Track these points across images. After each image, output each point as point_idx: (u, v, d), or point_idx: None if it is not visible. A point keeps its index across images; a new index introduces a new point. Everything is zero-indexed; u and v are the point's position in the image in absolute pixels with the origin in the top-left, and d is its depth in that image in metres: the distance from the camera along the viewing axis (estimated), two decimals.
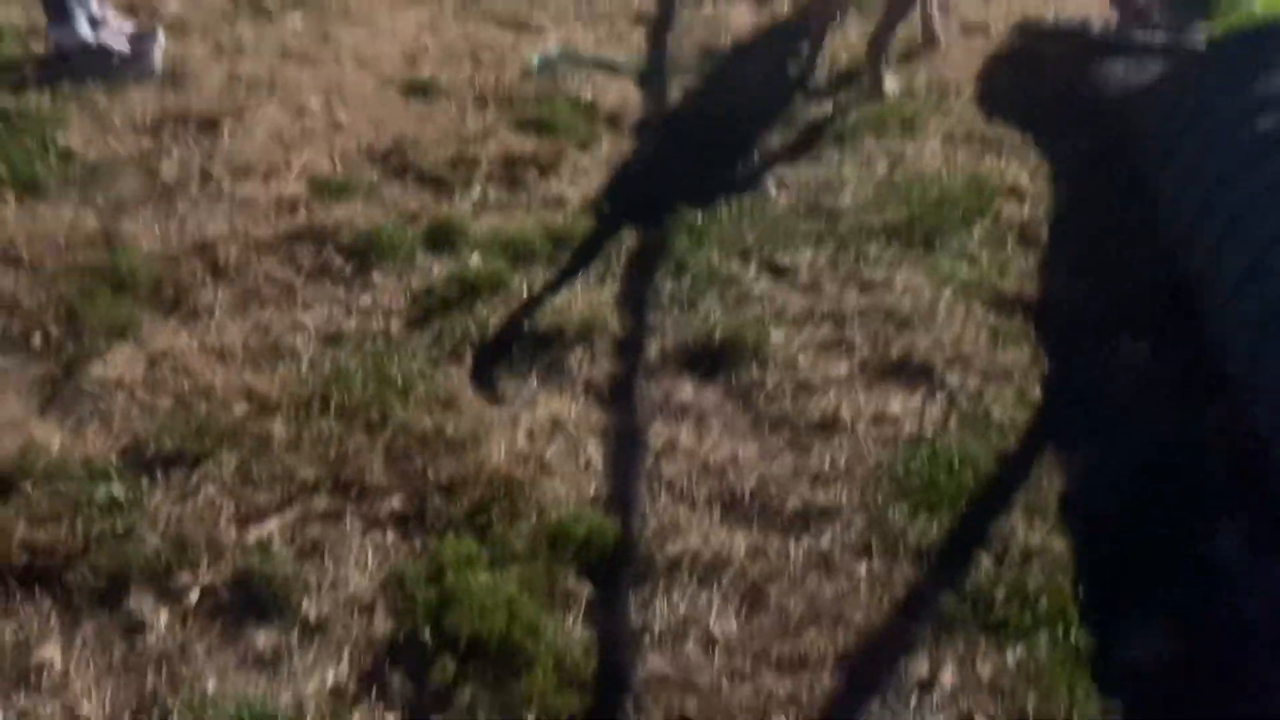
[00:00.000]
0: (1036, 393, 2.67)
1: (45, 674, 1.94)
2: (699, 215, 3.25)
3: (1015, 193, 3.42)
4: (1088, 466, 2.46)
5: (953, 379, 2.70)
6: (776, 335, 2.79)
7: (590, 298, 2.91)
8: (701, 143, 3.61)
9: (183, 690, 1.92)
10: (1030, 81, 4.06)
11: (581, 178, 3.44)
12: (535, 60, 4.07)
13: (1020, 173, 3.52)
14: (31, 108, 3.53)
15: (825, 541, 2.27)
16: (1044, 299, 2.98)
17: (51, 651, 1.97)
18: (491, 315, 2.83)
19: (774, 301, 2.92)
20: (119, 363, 2.59)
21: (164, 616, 2.04)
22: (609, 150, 3.57)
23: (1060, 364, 2.77)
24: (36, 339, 2.66)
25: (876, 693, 1.98)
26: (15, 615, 2.03)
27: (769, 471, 2.42)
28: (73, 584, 2.08)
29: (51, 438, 2.39)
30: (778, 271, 3.04)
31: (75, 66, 3.74)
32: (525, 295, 2.90)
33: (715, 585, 2.16)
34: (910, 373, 2.71)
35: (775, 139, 3.65)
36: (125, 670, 1.96)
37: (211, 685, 1.93)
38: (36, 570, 2.11)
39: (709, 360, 2.72)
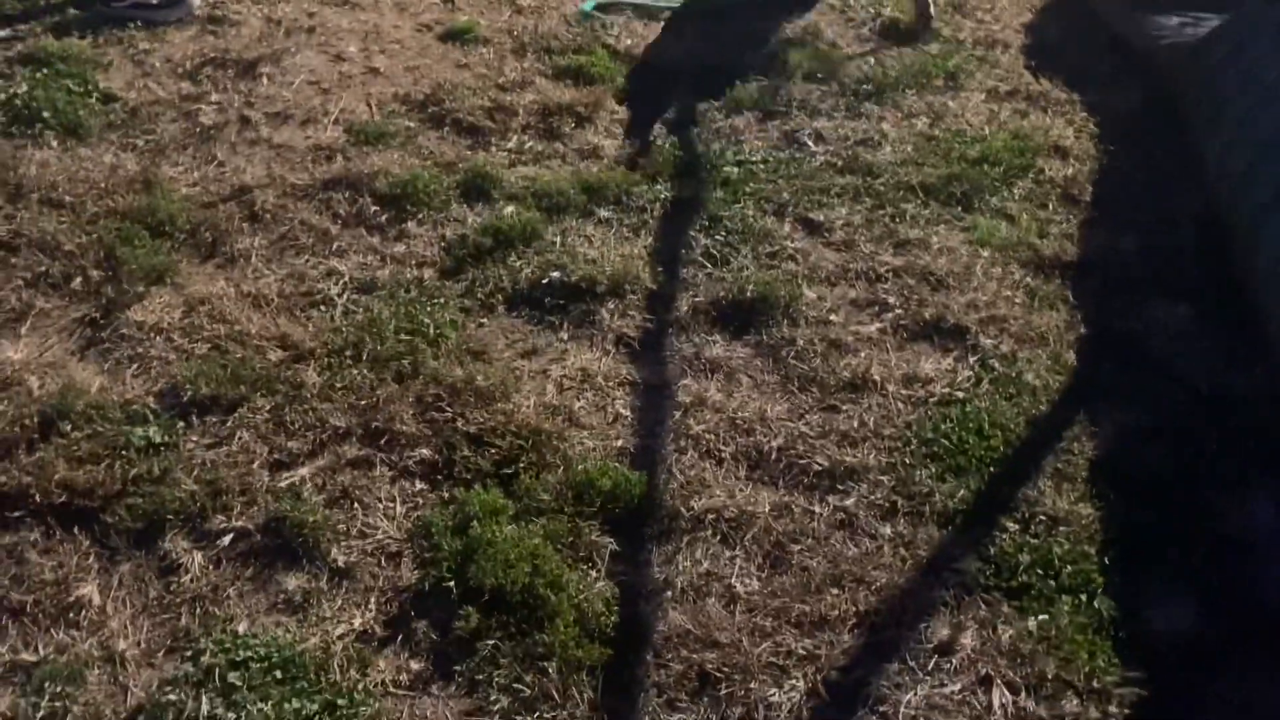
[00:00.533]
0: (1072, 356, 2.64)
1: (83, 611, 2.00)
2: (734, 169, 3.22)
3: (1059, 151, 3.36)
4: (1121, 432, 2.43)
5: (986, 341, 2.67)
6: (809, 293, 2.77)
7: (623, 250, 2.90)
8: (739, 94, 3.56)
9: (215, 630, 1.97)
10: (1080, 36, 3.96)
11: (617, 128, 3.41)
12: (587, 6, 4.02)
13: (1065, 130, 3.45)
14: (74, 51, 3.55)
15: (850, 502, 2.27)
16: (1084, 260, 2.94)
17: (90, 589, 2.03)
18: (524, 266, 2.83)
19: (807, 258, 2.90)
20: (157, 307, 2.63)
21: (198, 558, 2.09)
22: (646, 100, 3.53)
23: (1098, 327, 2.73)
24: (77, 281, 2.70)
25: (896, 654, 1.99)
26: (55, 553, 2.09)
27: (796, 430, 2.42)
28: (110, 524, 2.14)
29: (91, 379, 2.43)
30: (812, 227, 3.02)
31: (117, 10, 3.75)
32: (558, 246, 2.90)
33: (739, 542, 2.17)
34: (943, 334, 2.69)
35: (815, 91, 3.59)
36: (160, 609, 2.01)
37: (243, 626, 1.98)
38: (75, 509, 2.16)
39: (740, 316, 2.71)
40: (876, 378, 2.55)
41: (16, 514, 2.14)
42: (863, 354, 2.61)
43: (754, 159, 3.28)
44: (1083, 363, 2.63)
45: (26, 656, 1.92)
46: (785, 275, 2.83)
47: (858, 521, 2.23)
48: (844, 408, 2.48)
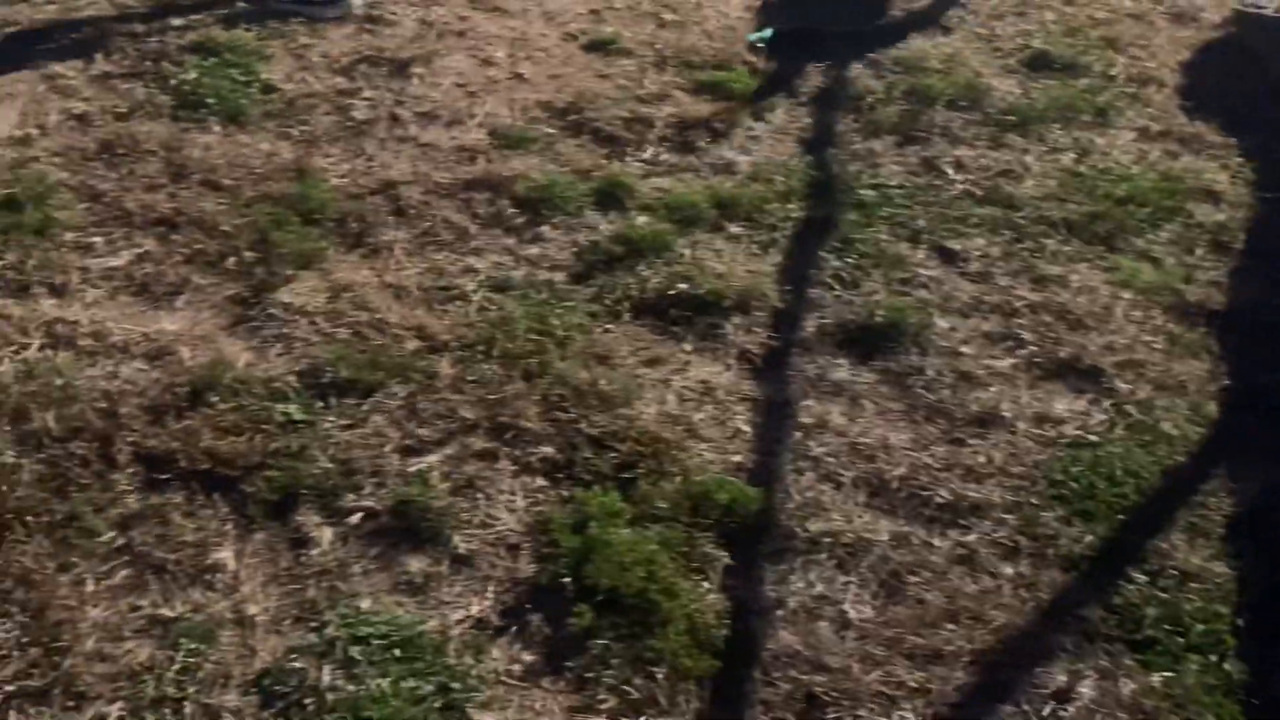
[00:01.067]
0: (1213, 408, 2.55)
1: (219, 574, 2.09)
2: (869, 192, 3.20)
3: (1210, 196, 3.24)
4: (1262, 490, 2.34)
5: (1123, 385, 2.59)
6: (941, 322, 2.74)
7: (752, 267, 2.91)
8: (879, 117, 3.54)
9: (340, 604, 2.04)
10: (1241, 76, 3.82)
11: (753, 145, 3.43)
12: (766, 34, 4.00)
13: (1219, 174, 3.33)
14: (240, 42, 3.73)
15: (972, 538, 2.23)
16: (1231, 310, 2.83)
17: (226, 554, 2.12)
18: (653, 276, 2.86)
19: (941, 287, 2.86)
20: (304, 290, 2.74)
21: (328, 534, 2.17)
22: (784, 119, 3.54)
23: (1243, 380, 2.63)
24: (231, 261, 2.83)
25: (1010, 696, 1.95)
26: (196, 516, 2.19)
27: (920, 460, 2.39)
28: (249, 493, 2.23)
29: (239, 354, 2.55)
30: (948, 257, 2.98)
31: (282, 6, 3.93)
32: (688, 259, 2.92)
33: (854, 568, 2.16)
34: (1078, 374, 2.62)
35: (957, 119, 3.54)
36: (290, 579, 2.10)
37: (366, 603, 2.05)
38: (218, 477, 2.27)
39: (868, 341, 2.69)
40: (1007, 414, 2.50)
41: (164, 476, 2.26)
42: (993, 389, 2.56)
43: (890, 183, 3.25)
44: (1225, 415, 2.54)
45: (166, 612, 2.02)
46: (917, 303, 2.80)
47: (978, 558, 2.20)
48: (971, 442, 2.44)
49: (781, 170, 3.29)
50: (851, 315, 2.76)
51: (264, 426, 2.36)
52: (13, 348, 2.52)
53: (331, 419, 2.40)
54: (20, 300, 2.67)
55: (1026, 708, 1.93)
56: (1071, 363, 2.65)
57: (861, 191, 3.21)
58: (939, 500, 2.30)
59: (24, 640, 1.95)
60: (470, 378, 2.50)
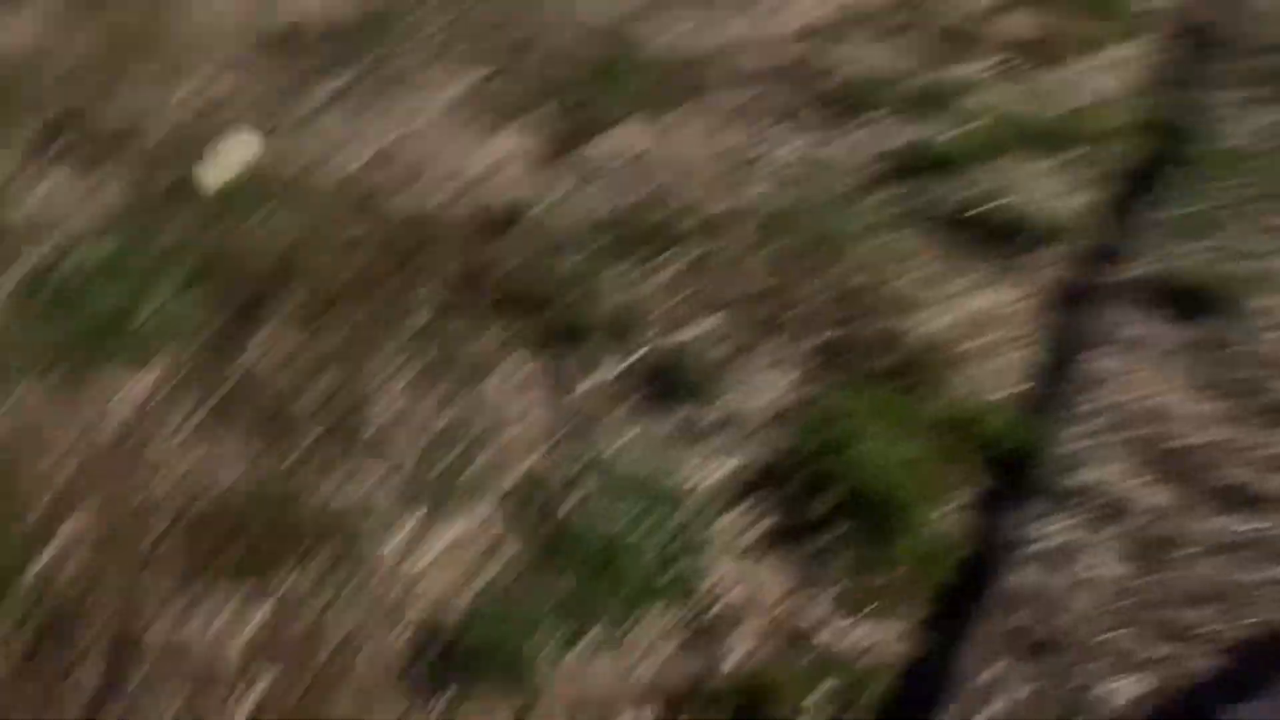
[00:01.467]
0: None
1: (491, 389, 2.27)
2: (1234, 139, 2.90)
3: None
4: None
5: None
6: (1269, 300, 2.49)
7: (1074, 199, 2.75)
8: (1243, 68, 3.18)
9: (601, 441, 2.16)
10: None
11: (1102, 72, 3.18)
12: None
13: None
14: None
15: (1249, 527, 2.07)
16: None
17: (501, 375, 2.29)
18: (966, 190, 2.76)
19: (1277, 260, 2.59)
20: (618, 140, 2.84)
21: (600, 374, 2.30)
22: (1143, 47, 3.25)
23: None
24: (554, 105, 2.96)
25: (1252, 694, 1.83)
26: (480, 336, 2.37)
27: (1211, 437, 2.22)
28: (533, 325, 2.39)
29: (543, 194, 2.69)
30: None
31: None
32: (1004, 179, 2.79)
33: (1111, 527, 2.06)
34: None
35: None
36: (557, 409, 2.24)
37: (621, 442, 2.16)
38: (506, 306, 2.43)
39: (1185, 299, 2.49)
40: None
41: (459, 300, 2.44)
42: None
43: (1247, 140, 2.94)
44: None
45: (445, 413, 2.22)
46: (1258, 271, 2.55)
47: (1252, 548, 2.04)
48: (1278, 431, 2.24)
49: (1127, 105, 3.04)
50: (1175, 268, 2.56)
51: (556, 266, 2.50)
52: (343, 159, 2.78)
53: (624, 266, 2.51)
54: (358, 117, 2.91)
55: (1266, 708, 1.80)
56: None
57: (1216, 144, 2.92)
58: (1222, 482, 2.13)
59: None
60: (764, 253, 2.54)
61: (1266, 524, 2.07)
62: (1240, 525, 2.07)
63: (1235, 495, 2.12)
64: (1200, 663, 1.87)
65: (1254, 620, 1.92)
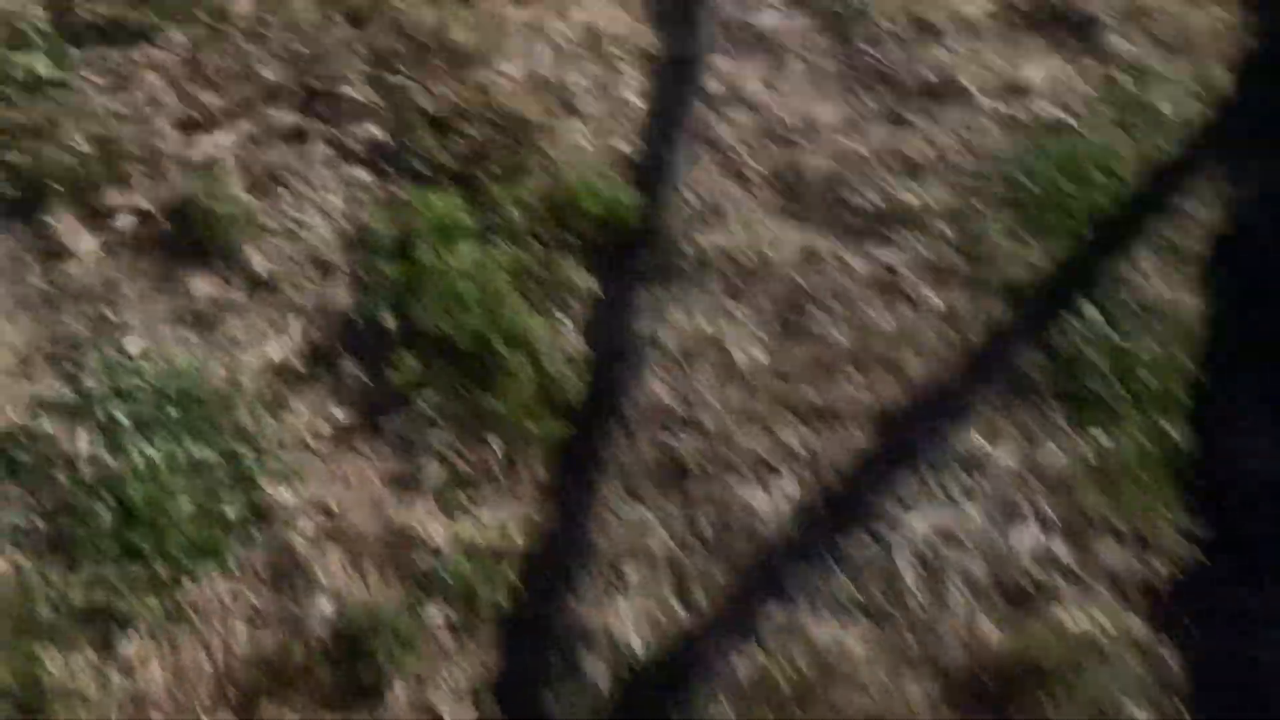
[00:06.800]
0: (1223, 76, 2.04)
1: None
2: None
3: None
4: (1260, 197, 1.91)
5: (1119, 42, 2.06)
6: None
7: None
8: None
9: (102, 344, 1.63)
10: None
11: None
12: None
13: None
14: None
15: (898, 256, 1.82)
16: None
17: None
18: None
19: None
20: None
21: (88, 243, 1.71)
22: None
23: (1272, 38, 2.09)
24: None
25: (911, 464, 1.64)
26: None
27: (849, 147, 1.91)
28: None
29: None
30: None
31: None
32: None
33: (750, 297, 1.76)
34: (1067, 27, 2.07)
35: None
36: (42, 304, 1.67)
37: (135, 345, 1.64)
38: None
39: None
40: (965, 82, 1.99)
41: None
42: (956, 47, 2.02)
43: None
44: (1236, 86, 2.04)
45: None
46: None
47: (901, 284, 1.80)
48: (915, 121, 1.95)
49: None
50: None
51: (3, 89, 1.80)
52: None
53: (90, 75, 1.83)
54: None
55: (929, 479, 1.63)
56: (1062, 10, 2.08)
57: None
58: (864, 205, 1.86)
59: None
60: (275, 22, 1.91)
61: (899, 252, 1.81)
62: (867, 260, 1.81)
63: (875, 220, 1.83)
64: (857, 438, 1.67)
65: (910, 372, 1.71)
